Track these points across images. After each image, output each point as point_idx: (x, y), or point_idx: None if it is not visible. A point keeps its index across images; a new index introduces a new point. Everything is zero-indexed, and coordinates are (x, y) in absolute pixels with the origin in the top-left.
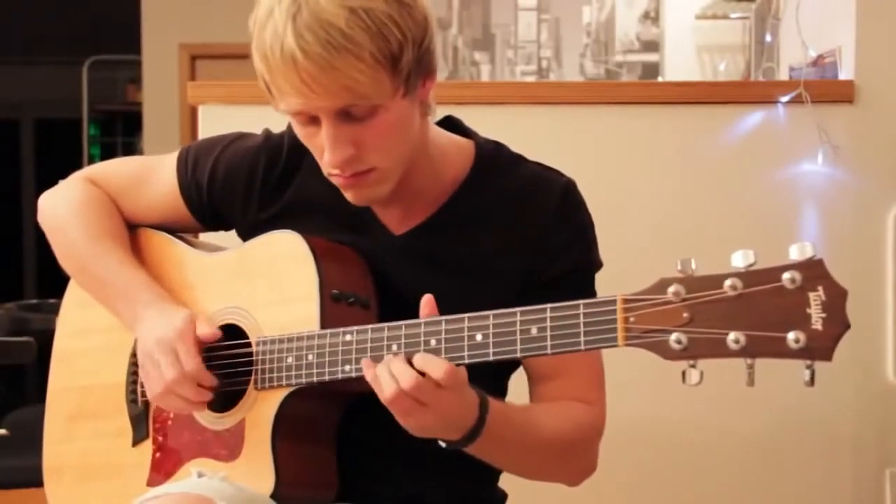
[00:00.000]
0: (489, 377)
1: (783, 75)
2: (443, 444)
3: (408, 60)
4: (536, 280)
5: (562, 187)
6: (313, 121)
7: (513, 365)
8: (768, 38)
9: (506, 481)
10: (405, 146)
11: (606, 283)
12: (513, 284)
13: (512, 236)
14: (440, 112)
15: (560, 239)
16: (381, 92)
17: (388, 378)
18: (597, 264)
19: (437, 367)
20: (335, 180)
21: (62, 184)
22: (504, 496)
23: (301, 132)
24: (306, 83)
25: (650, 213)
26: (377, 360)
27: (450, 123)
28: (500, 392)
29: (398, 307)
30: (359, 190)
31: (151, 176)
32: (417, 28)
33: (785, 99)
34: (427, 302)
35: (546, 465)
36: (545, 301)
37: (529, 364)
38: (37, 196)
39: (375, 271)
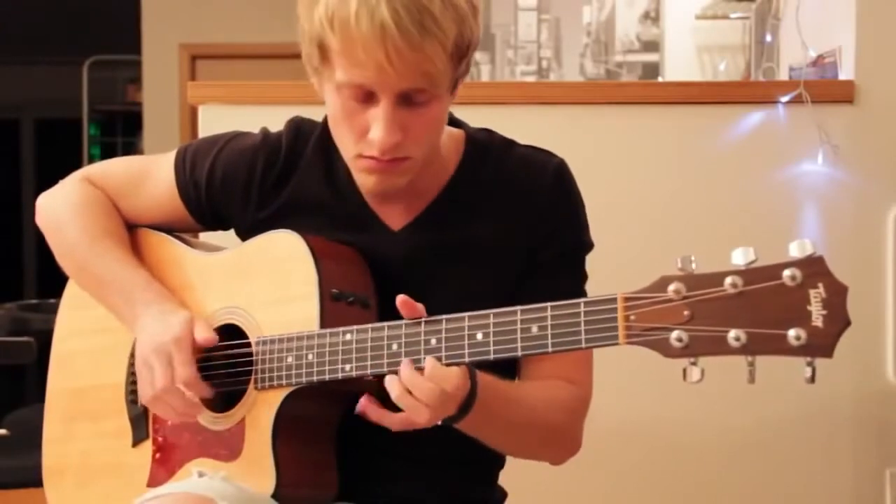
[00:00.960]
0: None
1: (783, 75)
2: (438, 422)
3: (468, 60)
4: (535, 262)
5: (554, 168)
6: (367, 98)
7: (516, 361)
8: (768, 38)
9: (506, 481)
10: (437, 140)
11: (606, 282)
12: (512, 268)
13: (508, 220)
14: None
15: (555, 220)
16: (445, 83)
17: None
18: (589, 245)
19: (450, 379)
20: (364, 163)
21: (60, 184)
22: (504, 495)
23: (345, 107)
24: (389, 57)
25: (650, 212)
26: (377, 358)
27: None
28: None
29: None
30: (387, 176)
31: (150, 176)
32: (479, 32)
33: (785, 99)
34: (403, 303)
35: (532, 440)
36: (542, 282)
37: None
38: (37, 196)
39: (376, 268)
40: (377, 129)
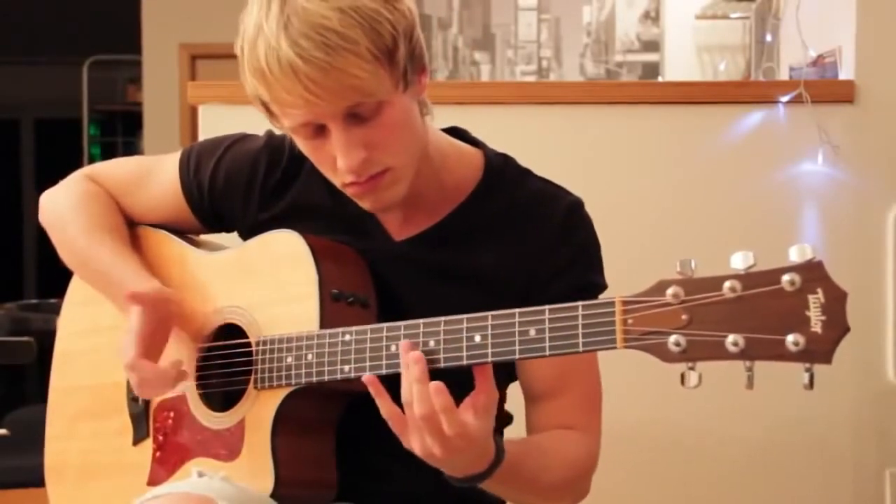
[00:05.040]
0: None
1: (783, 75)
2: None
3: (402, 54)
4: (535, 298)
5: (567, 205)
6: (319, 132)
7: (510, 376)
8: (768, 38)
9: None
10: (414, 142)
11: (607, 282)
12: (511, 301)
13: (513, 252)
14: (441, 113)
15: (560, 258)
16: (383, 87)
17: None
18: (599, 286)
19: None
20: (351, 190)
21: (63, 182)
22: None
23: (307, 147)
24: (310, 90)
25: (650, 213)
26: (375, 359)
27: (455, 132)
28: (499, 400)
29: (394, 312)
30: (376, 194)
31: (153, 175)
32: (405, 21)
33: (785, 99)
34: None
35: (542, 501)
36: None
37: (526, 380)
38: (37, 196)
39: (373, 275)
40: (339, 157)
